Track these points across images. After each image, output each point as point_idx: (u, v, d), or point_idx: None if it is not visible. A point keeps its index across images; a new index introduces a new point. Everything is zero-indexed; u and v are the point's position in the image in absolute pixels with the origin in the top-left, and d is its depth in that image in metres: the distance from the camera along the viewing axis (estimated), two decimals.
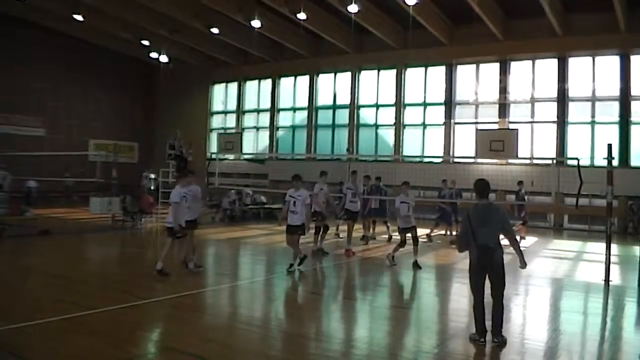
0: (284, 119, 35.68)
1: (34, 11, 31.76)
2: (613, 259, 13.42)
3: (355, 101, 32.41)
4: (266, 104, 36.19)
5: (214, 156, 26.54)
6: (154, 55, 35.70)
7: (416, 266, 13.87)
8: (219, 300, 10.73)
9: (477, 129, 23.47)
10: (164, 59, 35.49)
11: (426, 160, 29.73)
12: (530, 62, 27.87)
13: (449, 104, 29.52)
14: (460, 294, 11.71)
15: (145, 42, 34.07)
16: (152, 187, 25.22)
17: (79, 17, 30.50)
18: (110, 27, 32.87)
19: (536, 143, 27.39)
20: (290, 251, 12.90)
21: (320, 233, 15.58)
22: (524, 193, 20.69)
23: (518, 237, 9.20)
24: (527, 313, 10.19)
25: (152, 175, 26.93)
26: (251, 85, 37.48)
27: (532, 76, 27.92)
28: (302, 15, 26.16)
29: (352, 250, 15.94)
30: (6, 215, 18.10)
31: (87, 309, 8.93)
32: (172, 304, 9.73)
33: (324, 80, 34.06)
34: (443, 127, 29.58)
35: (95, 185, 24.11)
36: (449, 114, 29.45)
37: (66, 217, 23.56)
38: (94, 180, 23.49)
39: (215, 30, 30.13)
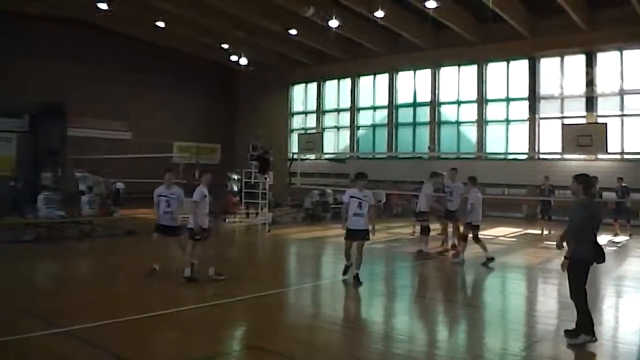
0: (364, 118, 35.52)
1: (119, 20, 32.92)
2: None
3: (436, 98, 31.95)
4: (346, 103, 36.12)
5: (295, 156, 26.73)
6: (233, 58, 36.24)
7: (488, 264, 13.56)
8: (301, 299, 10.76)
9: (563, 124, 22.74)
10: (243, 61, 35.96)
11: (510, 157, 29.05)
12: (617, 52, 26.71)
13: (533, 98, 28.61)
14: (548, 295, 11.38)
15: (225, 46, 34.65)
16: (235, 188, 25.58)
17: (161, 24, 31.35)
18: (190, 33, 33.63)
19: (627, 137, 26.18)
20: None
21: (423, 235, 15.22)
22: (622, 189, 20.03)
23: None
24: (619, 315, 9.79)
25: (235, 176, 27.30)
26: (330, 85, 37.53)
27: (621, 67, 26.72)
28: (379, 13, 25.98)
29: (447, 250, 15.64)
30: (96, 216, 18.73)
31: (173, 306, 9.12)
32: (256, 302, 9.81)
33: (404, 78, 33.74)
34: (527, 122, 28.71)
35: (179, 186, 24.59)
36: (533, 109, 28.54)
37: (151, 217, 24.13)
38: (177, 182, 23.94)
39: (293, 32, 30.31)
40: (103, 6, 29.32)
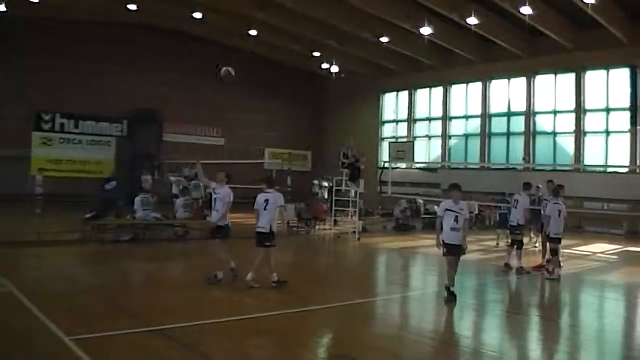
0: (456, 127, 34.97)
1: (212, 30, 33.86)
2: None
3: (531, 107, 31.09)
4: (438, 111, 35.68)
5: (385, 165, 26.63)
6: (324, 66, 36.51)
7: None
8: (390, 309, 10.68)
9: None
10: (334, 69, 36.18)
11: (610, 170, 27.89)
12: None
13: (634, 108, 27.26)
14: None
15: (316, 54, 34.97)
16: (325, 195, 25.76)
17: (253, 33, 31.97)
18: (282, 41, 34.18)
19: None
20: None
21: (517, 249, 14.50)
22: None
23: None
24: None
25: (325, 183, 27.48)
26: (422, 93, 37.16)
27: None
28: (472, 20, 25.56)
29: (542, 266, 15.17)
30: (189, 219, 19.26)
31: (263, 310, 9.27)
32: (345, 310, 9.80)
33: (497, 86, 33.03)
34: (628, 134, 27.49)
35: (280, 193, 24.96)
36: (634, 120, 27.22)
37: (244, 222, 24.61)
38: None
39: (384, 39, 30.25)
40: (197, 15, 30.19)
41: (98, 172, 33.29)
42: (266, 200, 11.26)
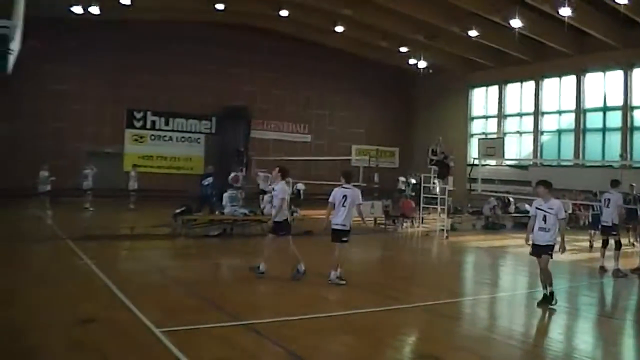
0: (549, 123, 33.84)
1: (299, 26, 34.01)
2: None
3: (629, 102, 29.73)
4: (529, 107, 34.61)
5: (475, 161, 26.12)
6: (412, 61, 36.10)
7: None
8: (478, 310, 10.40)
9: None
10: (422, 64, 35.72)
11: None
12: None
13: None
14: None
15: (404, 49, 34.58)
16: (412, 192, 25.50)
17: (339, 29, 31.96)
18: (369, 37, 33.97)
19: None
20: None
21: (616, 250, 13.83)
22: None
23: None
24: None
25: (413, 180, 27.20)
26: (512, 88, 36.13)
27: None
28: (565, 11, 24.55)
29: None
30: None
31: (349, 308, 9.22)
32: (431, 310, 9.61)
33: (592, 80, 31.71)
34: None
35: (358, 189, 24.90)
36: None
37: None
38: (357, 184, 24.31)
39: (473, 33, 29.60)
40: (284, 13, 30.46)
41: (188, 168, 34.28)
42: (344, 196, 11.15)
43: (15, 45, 10.17)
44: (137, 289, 10.00)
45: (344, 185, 11.38)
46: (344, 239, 11.13)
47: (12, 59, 11.38)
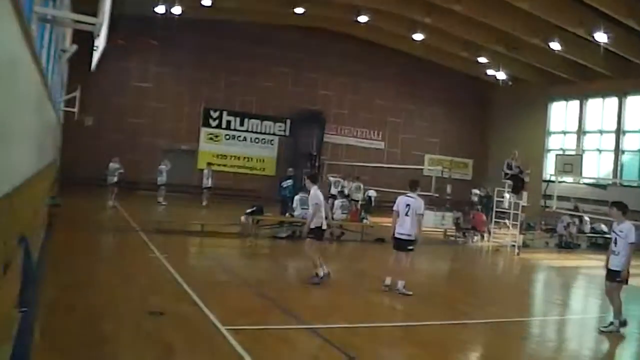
0: (631, 142, 32.66)
1: (375, 31, 33.86)
2: None
3: None
4: (610, 124, 33.51)
5: (551, 178, 25.43)
6: (490, 72, 35.49)
7: None
8: (547, 331, 10.04)
9: None
10: (500, 76, 35.08)
11: None
12: None
13: None
14: None
15: (483, 60, 34.01)
16: (479, 205, 25.02)
17: (418, 37, 31.69)
18: (448, 46, 33.57)
19: None
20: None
21: None
22: None
23: None
24: None
25: (481, 193, 26.75)
26: (593, 104, 35.03)
27: None
28: None
29: None
30: (346, 221, 19.39)
31: (416, 319, 9.09)
32: (498, 327, 9.35)
33: None
34: None
35: (429, 199, 24.65)
36: None
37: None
38: (428, 195, 24.04)
39: (555, 46, 28.83)
40: (362, 19, 30.43)
41: (260, 169, 34.61)
42: (407, 205, 11.02)
43: (100, 43, 10.41)
44: (205, 286, 10.11)
45: (408, 194, 11.27)
46: (410, 247, 11.02)
47: (97, 56, 11.68)
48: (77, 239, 14.31)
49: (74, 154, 28.62)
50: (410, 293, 10.60)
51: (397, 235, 11.07)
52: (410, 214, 10.97)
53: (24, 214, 6.76)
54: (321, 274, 11.17)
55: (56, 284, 9.16)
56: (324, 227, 11.64)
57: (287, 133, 35.81)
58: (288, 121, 35.65)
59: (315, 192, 11.54)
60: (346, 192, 24.04)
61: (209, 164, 28.90)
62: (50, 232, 13.96)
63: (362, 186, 26.29)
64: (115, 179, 22.92)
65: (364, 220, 19.95)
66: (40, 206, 11.02)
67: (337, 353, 6.93)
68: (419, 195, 11.40)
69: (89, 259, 11.86)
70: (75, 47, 15.99)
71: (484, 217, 22.54)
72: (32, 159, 7.27)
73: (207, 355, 6.46)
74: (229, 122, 34.90)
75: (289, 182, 20.79)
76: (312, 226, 11.41)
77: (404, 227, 10.98)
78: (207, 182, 27.02)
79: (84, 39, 13.99)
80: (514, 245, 19.79)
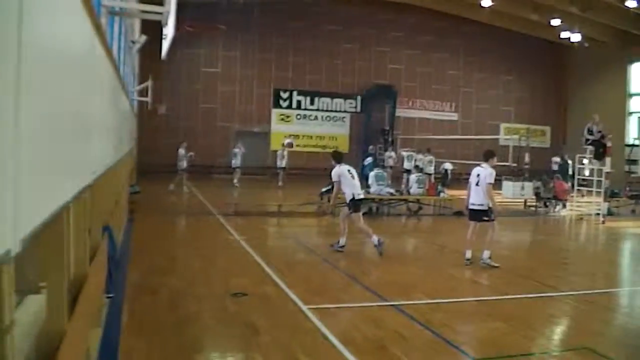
0: None
1: (446, 2, 33.21)
2: None
3: None
4: None
5: (635, 142, 24.47)
6: (564, 35, 34.30)
7: None
8: (636, 301, 9.70)
9: None
10: (575, 38, 33.86)
11: None
12: None
13: None
14: None
15: (555, 22, 32.86)
16: (559, 174, 24.29)
17: (486, 3, 30.88)
18: (518, 10, 32.65)
19: None
20: None
21: None
22: None
23: None
24: None
25: (570, 161, 25.94)
26: None
27: None
28: None
29: None
30: (423, 195, 19.22)
31: (500, 293, 8.91)
32: (585, 299, 9.02)
33: None
34: None
35: (507, 169, 24.13)
36: None
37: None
38: (505, 165, 23.57)
39: (631, 4, 27.54)
40: None
41: (333, 147, 34.59)
42: (478, 175, 10.91)
43: (169, 31, 10.54)
44: (284, 265, 10.18)
45: (482, 165, 11.09)
46: (485, 218, 10.86)
47: (166, 45, 11.83)
48: (157, 224, 14.67)
49: (149, 142, 29.35)
50: (497, 265, 10.43)
51: (470, 206, 11.06)
52: (480, 184, 10.84)
53: (107, 203, 6.93)
54: (342, 242, 11.68)
55: (140, 268, 9.43)
56: (357, 197, 11.76)
57: (359, 109, 35.69)
58: (359, 97, 35.51)
59: (337, 170, 11.75)
60: (420, 165, 23.82)
61: (284, 144, 28.88)
62: (132, 219, 14.37)
63: (433, 159, 25.94)
64: (185, 164, 23.34)
65: (441, 194, 19.70)
66: (121, 195, 11.33)
67: (423, 330, 6.84)
68: (495, 165, 11.17)
69: (170, 243, 12.12)
70: (144, 37, 16.30)
71: (566, 186, 21.89)
72: (111, 149, 7.44)
73: (290, 334, 6.49)
74: (299, 101, 35.03)
75: (370, 159, 20.82)
76: (347, 199, 11.74)
77: (474, 198, 10.95)
78: (282, 162, 27.26)
79: (153, 29, 14.24)
80: (598, 214, 19.18)
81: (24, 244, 2.08)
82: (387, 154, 27.86)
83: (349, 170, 11.71)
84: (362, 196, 12.10)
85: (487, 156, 11.24)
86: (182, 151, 23.52)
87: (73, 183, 3.48)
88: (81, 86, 3.79)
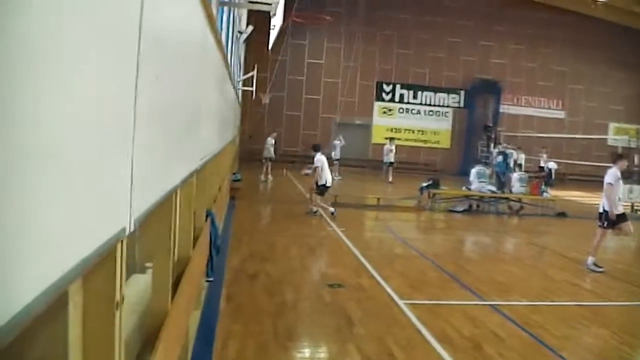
0: None
1: None
2: None
3: None
4: None
5: None
6: None
7: None
8: None
9: None
10: None
11: None
12: None
13: None
14: None
15: None
16: None
17: None
18: (631, 4, 31.09)
19: None
20: None
21: None
22: None
23: None
24: None
25: None
26: None
27: None
28: None
29: None
30: (526, 194, 18.74)
31: (603, 299, 8.58)
32: None
33: None
34: None
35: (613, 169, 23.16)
36: None
37: (583, 201, 23.31)
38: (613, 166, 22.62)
39: None
40: None
41: (434, 142, 34.25)
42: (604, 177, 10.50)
43: (277, 22, 10.72)
44: (381, 259, 10.19)
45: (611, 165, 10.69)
46: (599, 223, 10.36)
47: (274, 35, 12.04)
48: (257, 212, 14.99)
49: (251, 131, 29.92)
50: (601, 270, 10.08)
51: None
52: (605, 186, 10.42)
53: (211, 189, 7.13)
54: (314, 209, 14.66)
55: (239, 254, 9.65)
56: (328, 184, 14.44)
57: (462, 104, 35.12)
58: (462, 92, 34.94)
59: (319, 157, 14.35)
60: (517, 162, 23.14)
61: (391, 139, 27.70)
62: (233, 205, 14.72)
63: (523, 156, 25.11)
64: (272, 154, 23.64)
65: (545, 194, 19.13)
66: (224, 181, 11.62)
67: (521, 332, 6.69)
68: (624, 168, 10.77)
69: (269, 231, 12.35)
70: (251, 27, 16.64)
71: None
72: (217, 137, 7.64)
73: (385, 327, 6.48)
74: (402, 95, 34.81)
75: (500, 157, 20.50)
76: (319, 184, 14.31)
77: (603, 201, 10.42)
78: (389, 157, 26.12)
79: (259, 20, 14.49)
80: None
81: (137, 222, 2.17)
82: (494, 150, 27.20)
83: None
84: (330, 185, 14.65)
85: (614, 159, 10.90)
86: (271, 140, 23.84)
87: (183, 167, 3.60)
88: (194, 74, 3.91)
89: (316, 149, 14.83)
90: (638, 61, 37.02)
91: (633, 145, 23.37)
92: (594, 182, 31.05)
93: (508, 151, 25.03)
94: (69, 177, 1.43)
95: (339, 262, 9.70)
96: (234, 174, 17.47)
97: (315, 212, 14.61)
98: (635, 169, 22.38)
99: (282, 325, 6.31)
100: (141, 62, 2.06)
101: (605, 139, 32.03)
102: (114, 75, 1.81)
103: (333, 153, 26.19)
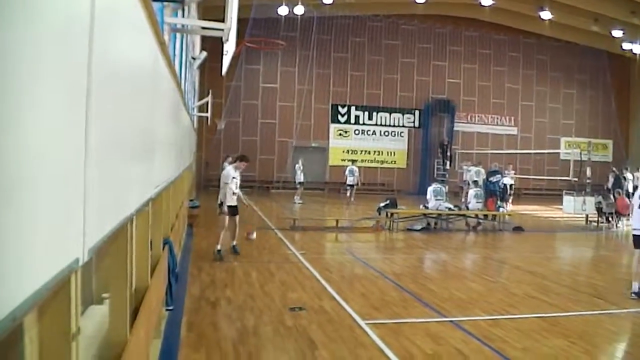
0: None
1: (499, 13, 32.77)
2: None
3: None
4: None
5: None
6: (626, 46, 33.49)
7: None
8: None
9: None
10: (638, 49, 33.00)
11: None
12: None
13: None
14: None
15: (617, 34, 32.09)
16: (629, 189, 23.65)
17: (546, 15, 30.45)
18: (577, 22, 32.00)
19: None
20: None
21: None
22: None
23: None
24: None
25: (629, 176, 25.30)
26: None
27: None
28: None
29: None
30: (482, 210, 18.99)
31: (560, 309, 8.72)
32: None
33: None
34: None
35: (568, 184, 23.68)
36: None
37: (538, 215, 23.72)
38: (566, 179, 23.13)
39: None
40: (486, 2, 29.66)
41: (391, 162, 34.52)
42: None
43: (230, 47, 10.73)
44: (342, 280, 10.24)
45: None
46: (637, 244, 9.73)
47: (227, 61, 12.04)
48: (215, 239, 14.86)
49: (208, 157, 29.81)
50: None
51: (633, 232, 9.89)
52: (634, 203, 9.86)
53: (168, 217, 7.07)
54: (217, 247, 11.93)
55: (200, 281, 9.58)
56: (229, 203, 12.20)
57: (417, 124, 35.52)
58: (417, 112, 35.36)
59: (226, 171, 12.43)
60: (474, 178, 23.46)
61: (351, 160, 27.93)
62: (191, 233, 14.60)
63: (482, 171, 25.51)
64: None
65: (500, 209, 19.41)
66: (181, 208, 11.53)
67: (483, 347, 6.76)
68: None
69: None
70: (204, 53, 16.63)
71: (627, 201, 21.27)
72: (172, 164, 7.59)
73: (348, 349, 6.48)
74: (357, 116, 35.06)
75: (498, 176, 20.71)
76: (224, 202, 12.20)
77: (635, 221, 9.84)
78: (351, 179, 26.24)
79: (213, 46, 14.47)
80: None
81: (91, 253, 2.14)
82: (445, 168, 27.54)
83: (233, 177, 12.09)
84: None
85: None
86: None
87: (137, 196, 3.57)
88: (146, 102, 3.89)
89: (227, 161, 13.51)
90: (586, 77, 38.04)
91: (584, 158, 23.86)
92: (547, 196, 31.79)
93: (465, 168, 25.39)
94: (18, 209, 1.41)
95: (299, 286, 9.67)
96: (191, 200, 17.34)
97: (218, 251, 12.01)
98: (588, 181, 22.84)
99: (245, 352, 6.26)
100: (91, 92, 2.05)
101: (558, 153, 32.66)
102: (63, 106, 1.79)
103: (296, 177, 26.20)
